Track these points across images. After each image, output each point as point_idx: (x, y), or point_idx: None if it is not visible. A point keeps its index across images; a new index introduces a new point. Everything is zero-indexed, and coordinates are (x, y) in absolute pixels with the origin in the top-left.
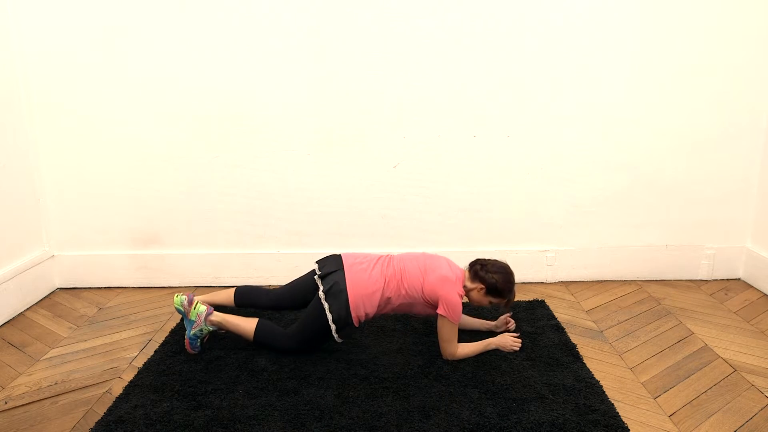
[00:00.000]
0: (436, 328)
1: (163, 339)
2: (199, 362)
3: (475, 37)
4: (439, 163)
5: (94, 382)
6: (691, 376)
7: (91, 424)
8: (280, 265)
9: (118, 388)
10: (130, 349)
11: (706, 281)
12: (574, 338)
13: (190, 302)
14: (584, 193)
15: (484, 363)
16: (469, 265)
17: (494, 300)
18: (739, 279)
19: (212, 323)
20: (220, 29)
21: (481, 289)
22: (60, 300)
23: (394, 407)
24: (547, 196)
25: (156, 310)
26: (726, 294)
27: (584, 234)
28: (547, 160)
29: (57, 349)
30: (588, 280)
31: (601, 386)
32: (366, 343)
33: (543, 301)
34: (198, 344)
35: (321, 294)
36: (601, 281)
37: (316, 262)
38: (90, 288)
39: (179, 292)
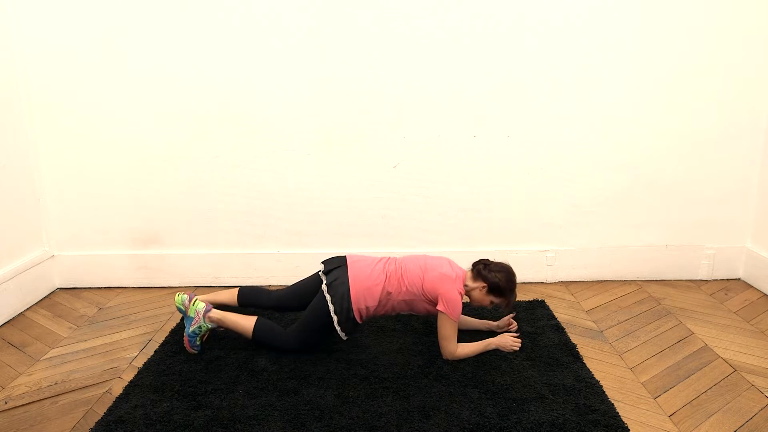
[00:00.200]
0: (435, 328)
1: (163, 339)
2: (199, 362)
3: (475, 37)
4: (439, 163)
5: (94, 382)
6: (691, 376)
7: (91, 424)
8: (280, 265)
9: (118, 388)
10: (130, 349)
11: (706, 281)
12: (574, 338)
13: (191, 300)
14: (584, 193)
15: (484, 363)
16: (472, 264)
17: (495, 299)
18: (739, 279)
19: (211, 320)
20: (220, 29)
21: (483, 287)
22: (60, 300)
23: (394, 407)
24: (547, 196)
25: (156, 310)
26: (726, 294)
27: (584, 234)
28: (547, 160)
29: (57, 349)
30: (588, 280)
31: (601, 386)
32: (366, 343)
33: (543, 301)
34: (197, 343)
35: (324, 287)
36: (601, 281)
37: (322, 262)
38: (90, 288)
39: (180, 291)
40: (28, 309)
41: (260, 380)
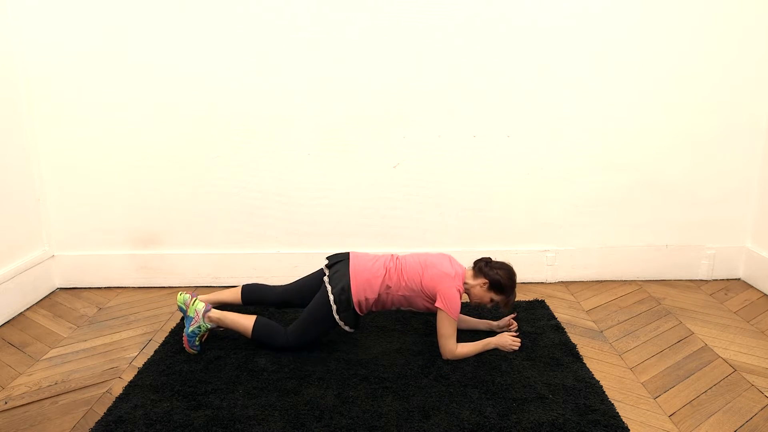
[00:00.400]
0: (435, 328)
1: (163, 339)
2: (199, 362)
3: (476, 36)
4: (439, 163)
5: (94, 382)
6: (691, 376)
7: (91, 424)
8: (280, 265)
9: (118, 388)
10: (130, 349)
11: (706, 281)
12: (574, 338)
13: (192, 300)
14: (584, 193)
15: (484, 363)
16: (474, 262)
17: (495, 297)
18: (739, 279)
19: (210, 320)
20: (219, 29)
21: (485, 283)
22: (60, 300)
23: (394, 407)
24: (547, 196)
25: (156, 310)
26: (726, 294)
27: (584, 234)
28: (547, 160)
29: (57, 349)
30: (588, 280)
31: (601, 386)
32: (366, 343)
33: (543, 301)
34: (197, 343)
35: (325, 278)
36: (601, 281)
37: (326, 257)
38: (90, 288)
39: (183, 291)
40: (28, 309)
41: (260, 380)
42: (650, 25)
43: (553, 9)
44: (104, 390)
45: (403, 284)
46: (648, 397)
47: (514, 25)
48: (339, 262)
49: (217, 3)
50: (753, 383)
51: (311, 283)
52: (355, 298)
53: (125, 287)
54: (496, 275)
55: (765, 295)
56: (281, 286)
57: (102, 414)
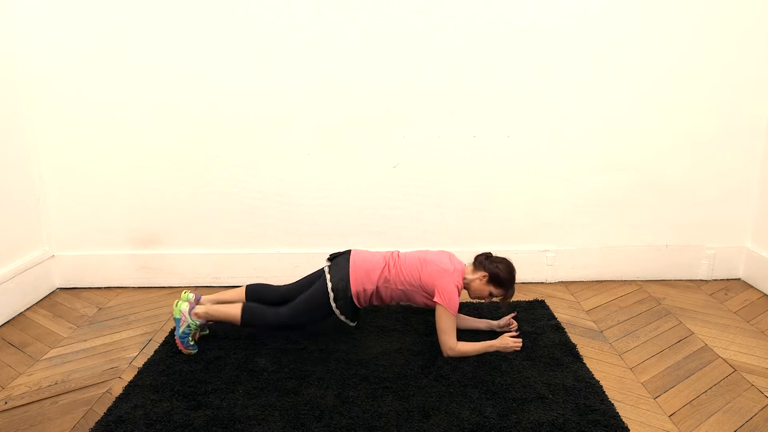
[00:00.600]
0: (435, 327)
1: (163, 339)
2: (199, 362)
3: (476, 36)
4: (439, 163)
5: (94, 382)
6: (691, 376)
7: (91, 424)
8: (281, 265)
9: (118, 388)
10: (130, 349)
11: (706, 281)
12: (574, 338)
13: (197, 302)
14: (584, 193)
15: (484, 363)
16: (474, 257)
17: (495, 290)
18: (739, 279)
19: (198, 316)
20: (220, 29)
21: (484, 276)
22: (60, 300)
23: (394, 407)
24: (547, 196)
25: (156, 310)
26: (726, 294)
27: (584, 234)
28: (547, 160)
29: (57, 349)
30: (588, 280)
31: (601, 386)
32: (366, 343)
33: (543, 301)
34: (191, 342)
35: (326, 268)
36: (601, 281)
37: (329, 255)
38: (90, 288)
39: (187, 291)
40: (28, 309)
41: (260, 380)
42: (650, 25)
43: (553, 9)
44: (104, 390)
45: (402, 278)
46: (648, 397)
47: (514, 25)
48: (340, 256)
49: (217, 3)
50: (753, 383)
51: (314, 281)
52: (353, 289)
53: (125, 287)
54: (496, 268)
55: (765, 295)
56: (284, 285)
57: (102, 414)
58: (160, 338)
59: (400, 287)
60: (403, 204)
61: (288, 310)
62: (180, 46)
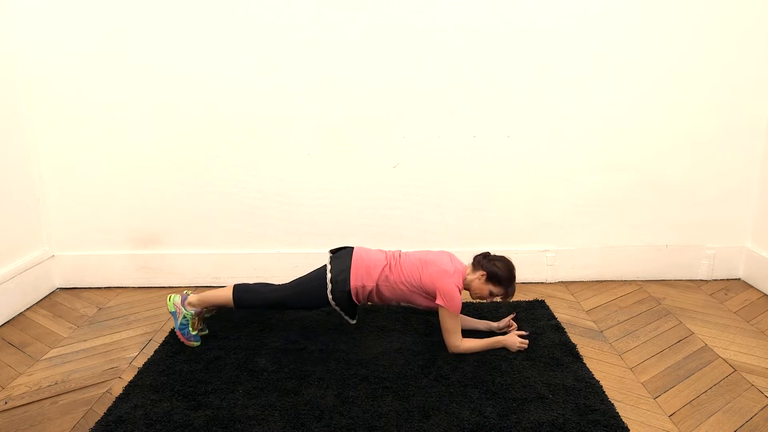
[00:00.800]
0: (436, 327)
1: (163, 339)
2: (199, 362)
3: (476, 36)
4: (439, 163)
5: (94, 382)
6: (691, 376)
7: (91, 424)
8: (280, 265)
9: (118, 388)
10: (130, 349)
11: (706, 281)
12: (574, 338)
13: (183, 301)
14: (584, 193)
15: (484, 363)
16: (473, 257)
17: (494, 288)
18: (739, 279)
19: (192, 305)
20: (220, 29)
21: (483, 275)
22: (60, 300)
23: (394, 407)
24: (547, 196)
25: (156, 310)
26: (726, 294)
27: (584, 234)
28: (547, 160)
29: (57, 349)
30: (588, 280)
31: (601, 386)
32: (366, 343)
33: (543, 301)
34: (192, 333)
35: (327, 259)
36: (601, 281)
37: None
38: (90, 288)
39: (183, 292)
40: (28, 309)
41: (260, 380)
42: (650, 25)
43: (553, 9)
44: (104, 390)
45: (403, 279)
46: (648, 397)
47: (514, 25)
48: (343, 250)
49: (217, 3)
50: (753, 383)
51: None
52: (352, 283)
53: (125, 287)
54: (494, 267)
55: (765, 295)
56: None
57: (102, 414)
58: (160, 338)
59: (400, 287)
60: (403, 204)
61: (284, 288)
62: (180, 46)
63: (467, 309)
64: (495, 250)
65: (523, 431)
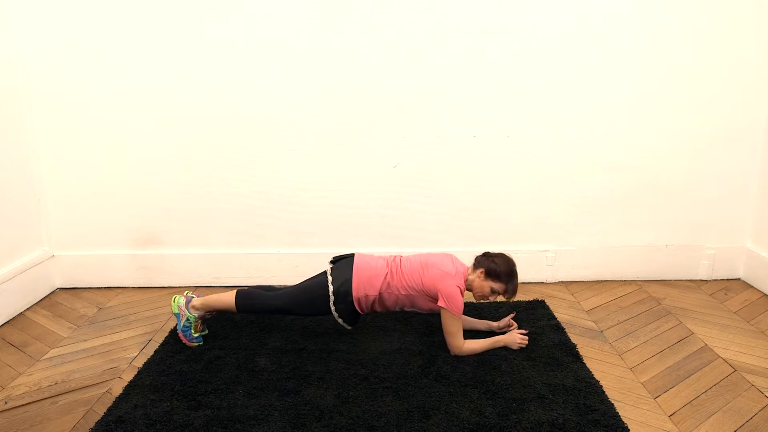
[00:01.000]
0: (435, 328)
1: (163, 339)
2: (199, 362)
3: (476, 37)
4: (439, 163)
5: (94, 382)
6: (691, 376)
7: (91, 424)
8: (280, 265)
9: (118, 388)
10: (130, 349)
11: (706, 281)
12: (574, 338)
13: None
14: (584, 193)
15: (484, 363)
16: (474, 257)
17: (494, 284)
18: (739, 279)
19: (195, 309)
20: (219, 29)
21: (482, 272)
22: (60, 300)
23: (394, 407)
24: (547, 196)
25: (156, 310)
26: (726, 294)
27: (584, 234)
28: (547, 160)
29: (57, 349)
30: (588, 280)
31: (601, 386)
32: (366, 343)
33: (543, 301)
34: (194, 335)
35: (328, 269)
36: (601, 281)
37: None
38: (90, 288)
39: (185, 293)
40: (28, 309)
41: (260, 380)
42: (650, 26)
43: (553, 8)
44: (104, 390)
45: (405, 284)
46: (648, 397)
47: (514, 25)
48: (343, 260)
49: (217, 3)
50: (753, 383)
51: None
52: (354, 294)
53: (125, 287)
54: (492, 262)
55: (765, 295)
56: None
57: (102, 414)
58: (160, 338)
59: (403, 292)
60: (403, 204)
61: (287, 294)
62: (180, 47)
63: (467, 309)
64: (495, 251)
65: (523, 431)
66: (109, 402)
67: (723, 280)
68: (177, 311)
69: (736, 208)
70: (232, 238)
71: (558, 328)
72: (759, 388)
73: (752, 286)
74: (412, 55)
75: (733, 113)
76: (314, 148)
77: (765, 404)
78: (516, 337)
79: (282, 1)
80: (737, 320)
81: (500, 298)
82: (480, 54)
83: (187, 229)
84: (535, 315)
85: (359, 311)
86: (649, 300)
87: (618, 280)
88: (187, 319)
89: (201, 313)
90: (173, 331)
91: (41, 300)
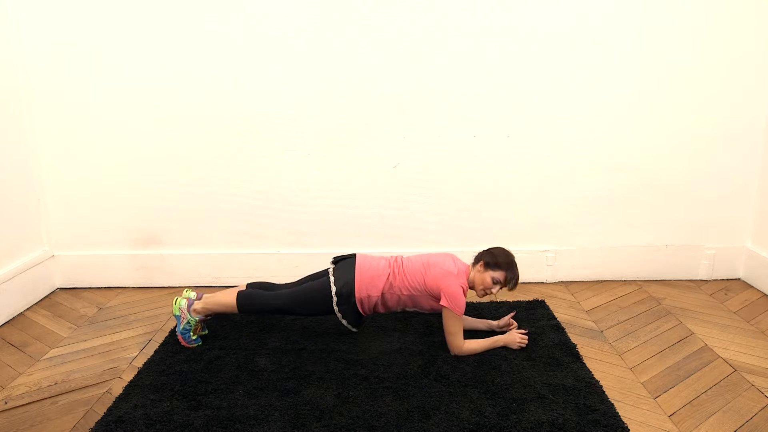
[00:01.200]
0: (435, 327)
1: (163, 339)
2: (199, 362)
3: (476, 37)
4: (439, 163)
5: (94, 382)
6: (691, 376)
7: (91, 424)
8: (280, 265)
9: (118, 388)
10: (130, 349)
11: (706, 281)
12: (574, 338)
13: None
14: (584, 193)
15: (484, 363)
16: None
17: (495, 274)
18: (739, 279)
19: (197, 312)
20: (219, 30)
21: (482, 264)
22: (60, 300)
23: (394, 407)
24: (547, 196)
25: (156, 310)
26: (726, 294)
27: (584, 234)
28: (547, 160)
29: (57, 349)
30: (588, 280)
31: (601, 386)
32: (366, 343)
33: (543, 301)
34: (193, 337)
35: (330, 270)
36: (601, 281)
37: (333, 258)
38: (90, 288)
39: (184, 291)
40: (28, 309)
41: (260, 380)
42: (650, 25)
43: (553, 8)
44: (104, 390)
45: (407, 284)
46: (648, 397)
47: (514, 25)
48: (345, 260)
49: (217, 3)
50: (753, 383)
51: (316, 279)
52: (357, 295)
53: (125, 287)
54: (490, 254)
55: (765, 295)
56: (283, 285)
57: (102, 414)
58: (160, 338)
59: (405, 293)
60: (403, 204)
61: (288, 294)
62: (180, 47)
63: (468, 309)
64: None
65: (523, 431)
66: (109, 402)
67: (723, 280)
68: (178, 313)
69: (736, 208)
70: (232, 238)
71: (558, 328)
72: (759, 388)
73: (752, 286)
74: (412, 55)
75: (733, 113)
76: (314, 148)
77: (765, 404)
78: (516, 337)
79: (282, 1)
80: (737, 320)
81: (503, 291)
82: (480, 54)
83: (187, 229)
84: (535, 315)
85: (362, 313)
86: (649, 300)
87: (618, 280)
88: (188, 322)
89: (202, 316)
90: (173, 331)
91: (41, 300)
